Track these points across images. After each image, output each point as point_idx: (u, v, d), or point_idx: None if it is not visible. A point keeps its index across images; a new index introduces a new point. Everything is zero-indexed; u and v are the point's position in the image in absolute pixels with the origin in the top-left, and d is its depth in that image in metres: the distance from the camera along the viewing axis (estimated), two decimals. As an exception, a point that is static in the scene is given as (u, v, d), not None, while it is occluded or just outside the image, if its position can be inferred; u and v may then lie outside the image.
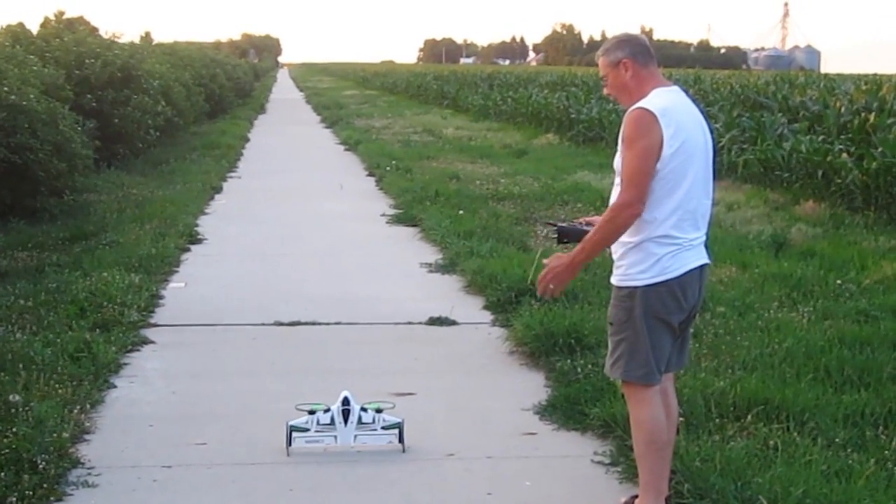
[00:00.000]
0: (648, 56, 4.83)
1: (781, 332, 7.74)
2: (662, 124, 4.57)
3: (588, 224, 5.17)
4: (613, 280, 4.84)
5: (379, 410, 5.96)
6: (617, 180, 4.78)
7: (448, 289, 9.94)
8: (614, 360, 4.83)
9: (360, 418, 5.89)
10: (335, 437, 5.87)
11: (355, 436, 5.88)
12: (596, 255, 4.94)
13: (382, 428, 5.93)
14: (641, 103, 4.64)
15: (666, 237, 4.66)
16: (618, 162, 4.76)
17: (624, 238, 4.72)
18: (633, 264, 4.72)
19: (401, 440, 5.93)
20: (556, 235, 5.30)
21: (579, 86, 37.10)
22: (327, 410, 5.88)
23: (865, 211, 13.43)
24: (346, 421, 5.86)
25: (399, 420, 5.94)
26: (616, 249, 4.82)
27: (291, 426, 5.86)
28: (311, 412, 5.89)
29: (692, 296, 4.79)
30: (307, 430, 5.86)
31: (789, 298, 9.03)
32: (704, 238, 4.85)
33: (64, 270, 9.86)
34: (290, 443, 5.84)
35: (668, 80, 4.93)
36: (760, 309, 8.57)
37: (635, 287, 4.70)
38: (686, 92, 4.97)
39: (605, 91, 4.99)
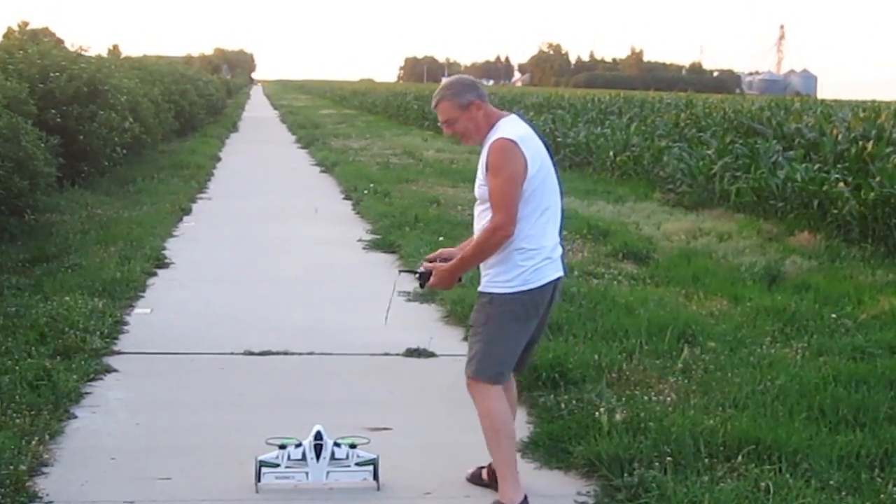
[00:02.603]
0: (485, 94, 5.53)
1: (774, 369, 7.77)
2: (523, 149, 5.27)
3: (444, 260, 5.72)
4: (480, 286, 5.51)
5: (353, 446, 5.95)
6: (480, 208, 5.50)
7: (427, 319, 9.95)
8: (469, 359, 5.53)
9: (333, 454, 5.88)
10: (306, 473, 5.86)
11: (328, 472, 5.87)
12: (469, 270, 5.60)
13: (356, 464, 5.92)
14: (501, 134, 5.33)
15: (531, 250, 5.37)
16: (481, 190, 5.45)
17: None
18: (498, 273, 5.41)
19: (375, 477, 5.92)
20: (419, 280, 5.79)
21: (566, 108, 37.31)
22: (299, 445, 5.87)
23: (862, 243, 13.49)
24: (318, 456, 5.85)
25: (374, 456, 5.93)
26: (488, 260, 5.46)
27: (261, 461, 5.84)
28: (282, 447, 5.87)
29: (546, 305, 5.55)
30: (277, 465, 5.84)
31: (783, 333, 9.07)
32: (561, 251, 5.60)
33: (24, 294, 9.83)
34: (259, 479, 5.82)
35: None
36: (752, 344, 8.61)
37: (498, 293, 5.41)
38: (521, 117, 5.68)
39: (447, 132, 5.60)
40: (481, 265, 5.48)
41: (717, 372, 7.74)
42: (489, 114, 5.46)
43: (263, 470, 5.83)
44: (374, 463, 5.92)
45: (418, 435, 6.74)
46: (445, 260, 5.69)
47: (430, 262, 5.80)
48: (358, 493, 5.84)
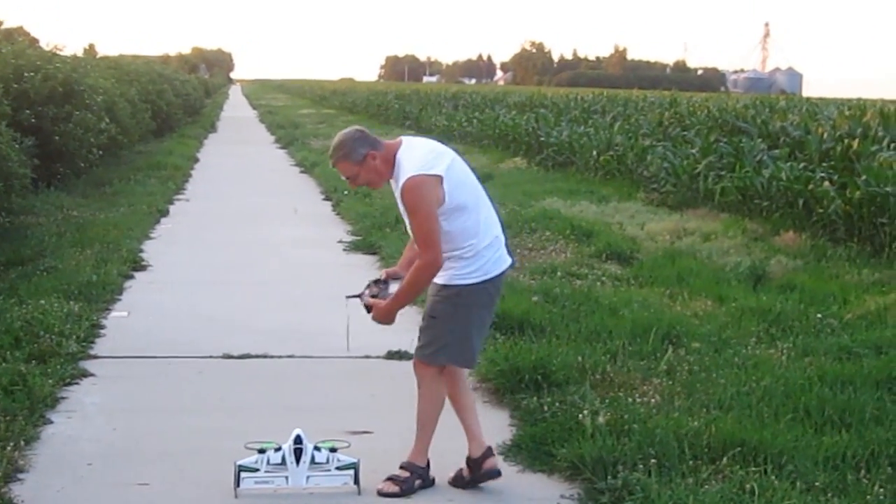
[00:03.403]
0: (376, 140, 5.81)
1: (759, 370, 7.80)
2: (429, 173, 5.62)
3: (392, 278, 6.07)
4: (440, 280, 5.81)
5: (333, 450, 5.95)
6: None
7: (408, 321, 9.85)
8: (438, 349, 5.85)
9: (313, 458, 5.88)
10: (286, 477, 5.86)
11: (308, 476, 5.87)
12: (406, 305, 6.00)
13: (337, 468, 5.93)
14: (406, 173, 5.65)
15: (488, 244, 5.80)
16: (409, 228, 5.85)
17: (454, 253, 5.75)
18: (462, 267, 5.76)
19: (356, 481, 5.92)
20: (364, 306, 6.08)
21: (549, 107, 37.26)
22: (278, 449, 5.87)
23: (848, 242, 13.53)
24: (298, 461, 5.85)
25: (354, 460, 5.94)
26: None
27: (240, 466, 5.84)
28: (261, 451, 5.87)
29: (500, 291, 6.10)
30: (257, 469, 5.84)
31: (768, 334, 9.10)
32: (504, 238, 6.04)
33: (-2, 297, 9.79)
34: (238, 483, 5.81)
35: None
36: (737, 345, 8.64)
37: (465, 285, 5.77)
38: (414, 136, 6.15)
39: (353, 186, 6.02)
40: (457, 239, 5.76)
41: (701, 373, 7.77)
42: (386, 156, 5.77)
43: (243, 475, 5.82)
44: (354, 467, 5.93)
45: (400, 439, 6.71)
46: (395, 277, 6.04)
47: (377, 282, 6.09)
48: (338, 497, 5.84)
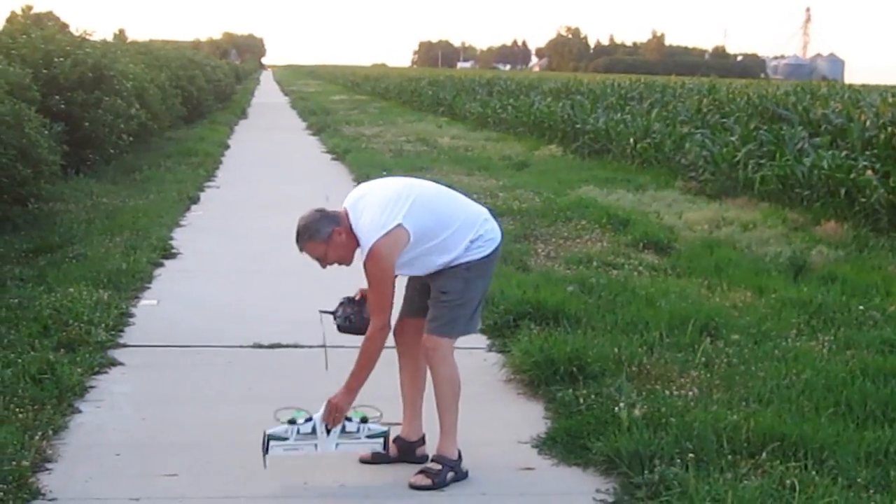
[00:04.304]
0: (337, 214, 5.88)
1: (800, 363, 7.75)
2: (393, 225, 5.68)
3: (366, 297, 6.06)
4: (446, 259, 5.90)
5: (364, 420, 6.02)
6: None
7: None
8: (449, 321, 5.91)
9: (343, 427, 5.97)
10: (315, 444, 5.92)
11: (337, 444, 5.95)
12: (364, 381, 5.96)
13: (367, 437, 6.02)
14: (369, 241, 5.70)
15: (483, 224, 6.00)
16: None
17: (446, 258, 5.87)
18: (471, 247, 5.90)
19: (385, 448, 6.03)
20: (336, 324, 6.18)
21: (585, 94, 37.16)
22: (309, 419, 5.90)
23: (891, 232, 13.45)
24: (328, 430, 5.89)
25: (385, 429, 6.06)
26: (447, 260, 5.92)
27: (269, 435, 5.87)
28: (292, 421, 5.90)
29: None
30: (286, 439, 5.87)
31: (808, 326, 9.04)
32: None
33: (27, 285, 9.85)
34: (266, 451, 5.84)
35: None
36: (777, 337, 8.59)
37: (475, 260, 5.90)
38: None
39: (326, 266, 6.02)
40: (449, 247, 5.88)
41: (740, 366, 7.72)
42: (348, 229, 5.82)
43: (272, 443, 5.86)
44: (384, 435, 6.02)
45: (434, 431, 6.70)
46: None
47: (351, 301, 6.17)
48: (370, 489, 5.84)
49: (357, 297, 6.16)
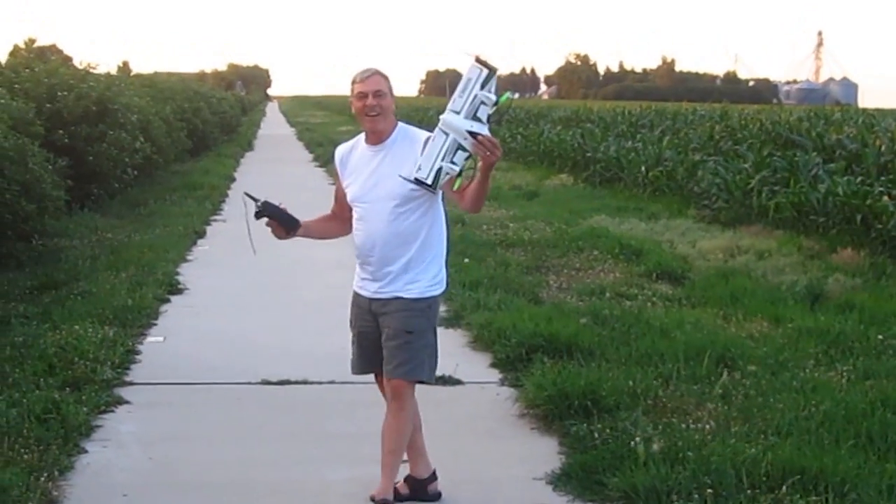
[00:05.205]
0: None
1: (818, 394, 7.71)
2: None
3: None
4: (409, 295, 5.87)
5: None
6: (399, 209, 6.14)
7: (452, 344, 9.90)
8: (417, 364, 5.89)
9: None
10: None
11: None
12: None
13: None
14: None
15: (443, 267, 6.07)
16: (407, 191, 6.10)
17: (422, 256, 5.94)
18: (432, 277, 5.95)
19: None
20: (257, 210, 6.22)
21: (595, 122, 37.27)
22: None
23: (909, 259, 13.40)
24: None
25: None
26: (412, 265, 5.92)
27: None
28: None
29: None
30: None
31: (827, 356, 9.00)
32: None
33: (31, 323, 9.85)
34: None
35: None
36: (795, 367, 8.55)
37: (434, 296, 5.97)
38: None
39: (373, 102, 6.05)
40: (404, 270, 5.91)
41: (758, 397, 7.69)
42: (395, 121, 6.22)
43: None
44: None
45: (444, 466, 6.66)
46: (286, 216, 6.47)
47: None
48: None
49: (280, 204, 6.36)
